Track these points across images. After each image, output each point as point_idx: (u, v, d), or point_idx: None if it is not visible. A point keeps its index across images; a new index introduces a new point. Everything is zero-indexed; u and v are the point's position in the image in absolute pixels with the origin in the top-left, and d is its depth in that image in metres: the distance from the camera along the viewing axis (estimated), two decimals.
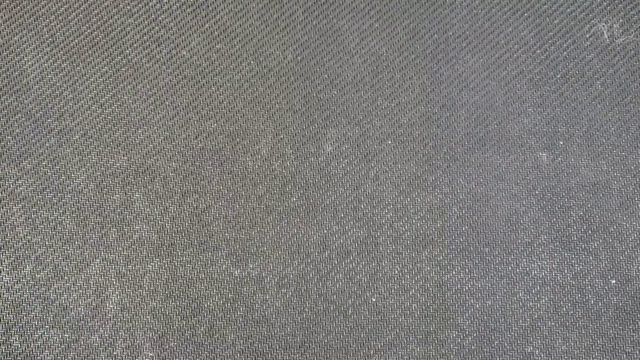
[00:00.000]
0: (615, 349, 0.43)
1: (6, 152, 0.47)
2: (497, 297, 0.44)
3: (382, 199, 0.46)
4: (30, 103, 0.47)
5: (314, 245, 0.45)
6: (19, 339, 0.45)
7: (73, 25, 0.48)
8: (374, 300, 0.44)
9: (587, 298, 0.44)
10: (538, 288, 0.44)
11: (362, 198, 0.46)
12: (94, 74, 0.48)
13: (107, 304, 0.45)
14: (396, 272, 0.45)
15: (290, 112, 0.47)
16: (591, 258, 0.44)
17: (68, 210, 0.46)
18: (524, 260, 0.44)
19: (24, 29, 0.49)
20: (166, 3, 0.49)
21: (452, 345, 0.44)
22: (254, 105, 0.47)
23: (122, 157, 0.47)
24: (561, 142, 0.46)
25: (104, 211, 0.46)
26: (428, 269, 0.44)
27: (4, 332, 0.45)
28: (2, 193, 0.46)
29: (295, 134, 0.46)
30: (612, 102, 0.46)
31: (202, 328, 0.44)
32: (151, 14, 0.48)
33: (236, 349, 0.44)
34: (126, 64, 0.48)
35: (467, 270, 0.44)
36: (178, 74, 0.48)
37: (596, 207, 0.45)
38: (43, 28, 0.48)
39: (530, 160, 0.45)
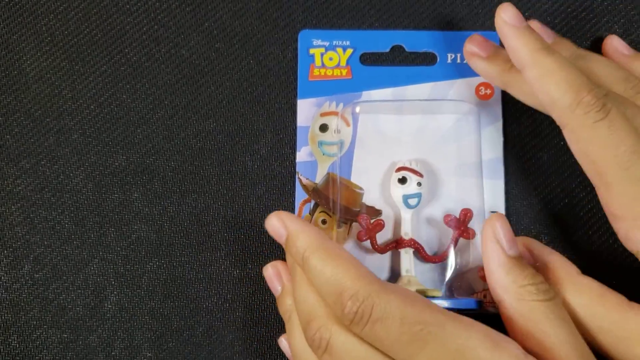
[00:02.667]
0: None
1: (5, 151, 0.47)
2: None
3: None
4: (29, 102, 0.47)
5: None
6: (17, 338, 0.45)
7: (72, 24, 0.48)
8: None
9: None
10: None
11: None
12: (93, 73, 0.48)
13: (106, 304, 0.45)
14: None
15: (290, 112, 0.47)
16: (593, 257, 0.44)
17: (67, 209, 0.46)
18: None
19: (23, 27, 0.48)
20: (165, 2, 0.48)
21: None
22: (253, 104, 0.47)
23: (121, 157, 0.46)
24: (562, 143, 0.45)
25: (103, 211, 0.46)
26: None
27: (2, 332, 0.45)
28: (0, 192, 0.46)
29: (295, 134, 0.46)
30: None
31: (201, 328, 0.44)
32: (150, 13, 0.48)
33: (235, 350, 0.44)
34: (125, 62, 0.48)
35: None
36: (177, 73, 0.47)
37: (598, 207, 0.45)
38: (42, 27, 0.48)
39: (531, 160, 0.45)
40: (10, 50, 0.48)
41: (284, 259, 0.45)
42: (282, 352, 0.44)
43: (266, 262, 0.45)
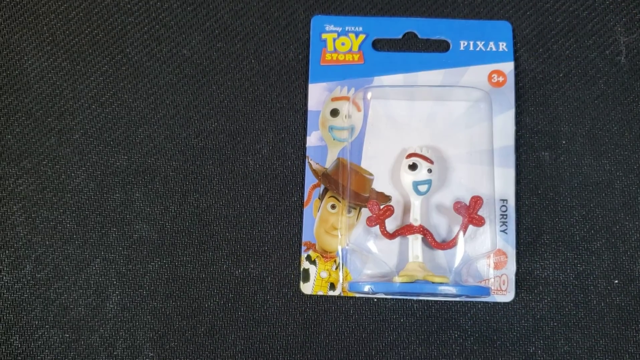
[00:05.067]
0: (618, 349, 0.43)
1: (6, 151, 0.47)
2: None
3: None
4: (31, 102, 0.47)
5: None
6: (19, 338, 0.45)
7: (73, 24, 0.48)
8: (375, 300, 0.44)
9: (589, 298, 0.44)
10: (540, 288, 0.44)
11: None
12: (94, 72, 0.48)
13: (108, 304, 0.45)
14: None
15: (291, 112, 0.47)
16: (594, 258, 0.44)
17: (68, 209, 0.46)
18: (526, 259, 0.44)
19: (24, 27, 0.48)
20: (166, 1, 0.48)
21: (454, 346, 0.44)
22: (254, 104, 0.47)
23: (123, 157, 0.46)
24: (564, 142, 0.45)
25: (104, 211, 0.46)
26: None
27: (4, 332, 0.45)
28: (2, 192, 0.46)
29: (296, 133, 0.46)
30: (615, 101, 0.46)
31: (203, 328, 0.44)
32: (152, 13, 0.48)
33: (237, 349, 0.44)
34: (126, 62, 0.48)
35: None
36: (179, 73, 0.47)
37: (599, 206, 0.45)
38: (43, 27, 0.48)
39: (532, 159, 0.45)
40: (12, 51, 0.48)
41: (286, 260, 0.45)
42: (283, 352, 0.44)
43: (268, 262, 0.45)
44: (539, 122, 0.46)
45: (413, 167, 0.43)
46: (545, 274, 0.44)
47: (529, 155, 0.45)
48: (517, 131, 0.45)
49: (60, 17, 0.48)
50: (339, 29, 0.46)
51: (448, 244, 0.42)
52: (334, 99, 0.46)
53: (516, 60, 0.46)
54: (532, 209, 0.45)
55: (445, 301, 0.44)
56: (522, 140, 0.45)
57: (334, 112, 0.45)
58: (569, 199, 0.45)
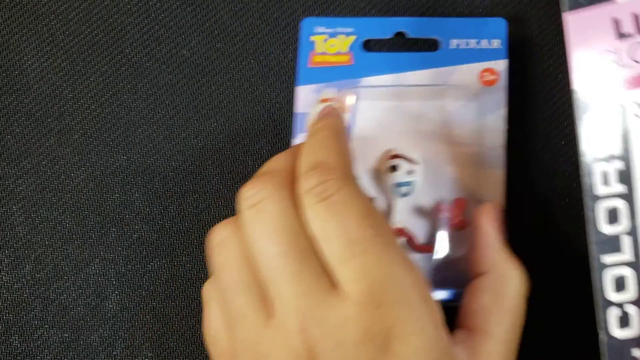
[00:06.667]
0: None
1: (5, 151, 0.47)
2: None
3: None
4: (30, 102, 0.47)
5: None
6: (18, 338, 0.45)
7: (73, 25, 0.48)
8: None
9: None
10: (539, 288, 0.44)
11: None
12: (94, 73, 0.48)
13: (107, 304, 0.45)
14: None
15: (291, 112, 0.47)
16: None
17: (68, 209, 0.46)
18: (525, 260, 0.44)
19: (24, 28, 0.48)
20: (166, 2, 0.48)
21: None
22: (254, 104, 0.47)
23: (122, 157, 0.46)
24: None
25: (104, 210, 0.46)
26: None
27: (3, 332, 0.45)
28: (1, 192, 0.46)
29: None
30: None
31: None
32: (151, 13, 0.48)
33: None
34: (126, 63, 0.48)
35: None
36: (178, 73, 0.48)
37: None
38: (43, 27, 0.48)
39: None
40: (11, 51, 0.48)
41: None
42: None
43: None
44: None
45: (394, 168, 0.42)
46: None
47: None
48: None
49: (59, 17, 0.49)
50: (330, 31, 0.46)
51: (430, 247, 0.42)
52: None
53: (509, 58, 0.46)
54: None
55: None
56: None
57: None
58: (567, 199, 0.45)
